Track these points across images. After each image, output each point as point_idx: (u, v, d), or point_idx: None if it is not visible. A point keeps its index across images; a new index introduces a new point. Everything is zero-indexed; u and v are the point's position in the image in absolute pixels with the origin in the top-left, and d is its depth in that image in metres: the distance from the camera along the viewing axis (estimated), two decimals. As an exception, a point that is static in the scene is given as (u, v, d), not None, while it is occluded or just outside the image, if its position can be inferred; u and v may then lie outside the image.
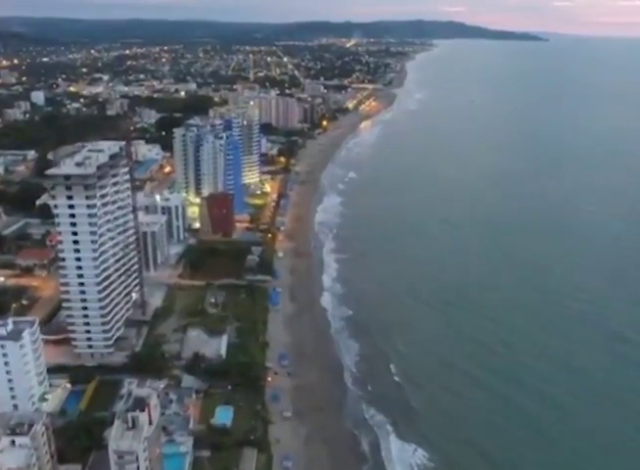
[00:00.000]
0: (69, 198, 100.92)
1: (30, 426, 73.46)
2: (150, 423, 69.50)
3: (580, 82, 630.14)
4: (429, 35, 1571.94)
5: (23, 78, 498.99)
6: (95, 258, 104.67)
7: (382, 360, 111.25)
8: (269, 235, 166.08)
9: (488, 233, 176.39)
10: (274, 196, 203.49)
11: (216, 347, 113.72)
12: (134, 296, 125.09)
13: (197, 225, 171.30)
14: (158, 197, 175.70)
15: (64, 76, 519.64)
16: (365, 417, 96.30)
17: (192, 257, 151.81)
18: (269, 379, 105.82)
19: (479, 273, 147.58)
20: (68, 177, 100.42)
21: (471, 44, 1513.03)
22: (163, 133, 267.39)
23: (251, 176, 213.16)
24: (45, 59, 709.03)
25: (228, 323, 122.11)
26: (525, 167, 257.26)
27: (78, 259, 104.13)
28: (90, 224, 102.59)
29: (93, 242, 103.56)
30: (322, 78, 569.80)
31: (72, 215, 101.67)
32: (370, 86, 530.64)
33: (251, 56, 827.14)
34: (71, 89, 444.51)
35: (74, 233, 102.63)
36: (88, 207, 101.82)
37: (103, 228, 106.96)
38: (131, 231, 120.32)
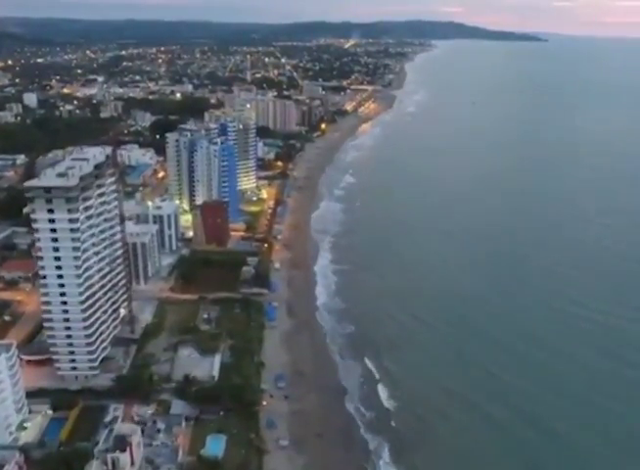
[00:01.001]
0: (50, 211, 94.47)
1: (2, 467, 66.99)
2: (132, 464, 63.23)
3: (581, 84, 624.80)
4: (428, 36, 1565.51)
5: (17, 80, 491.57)
6: (78, 276, 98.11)
7: (386, 383, 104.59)
8: (265, 245, 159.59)
9: (490, 244, 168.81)
10: (271, 203, 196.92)
11: (209, 367, 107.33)
12: (122, 312, 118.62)
13: (190, 234, 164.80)
14: (150, 204, 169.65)
15: (58, 78, 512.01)
16: (369, 448, 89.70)
17: (184, 268, 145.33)
18: (264, 403, 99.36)
19: (480, 288, 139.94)
20: (48, 190, 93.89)
21: (470, 45, 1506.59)
22: (158, 137, 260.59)
23: (248, 182, 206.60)
24: (40, 60, 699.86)
25: (221, 341, 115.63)
26: (528, 171, 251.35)
27: (60, 277, 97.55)
28: (73, 239, 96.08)
29: (76, 258, 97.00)
30: (320, 80, 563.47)
31: (53, 230, 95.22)
32: (369, 88, 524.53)
33: (248, 57, 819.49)
34: (65, 91, 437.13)
35: (56, 249, 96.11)
36: (70, 221, 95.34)
37: (87, 243, 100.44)
38: (119, 244, 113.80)
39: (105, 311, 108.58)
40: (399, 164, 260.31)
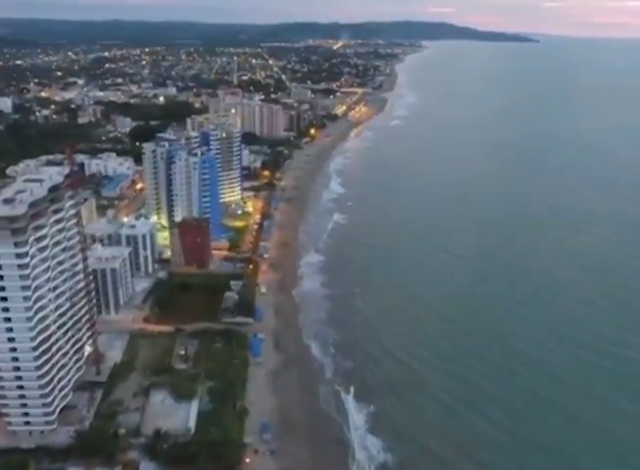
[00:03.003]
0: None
1: None
2: None
3: (578, 86, 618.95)
4: (418, 36, 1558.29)
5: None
6: (29, 318, 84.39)
7: (394, 434, 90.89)
8: (250, 266, 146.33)
9: (492, 263, 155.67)
10: (257, 216, 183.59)
11: (184, 417, 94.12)
12: (88, 349, 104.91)
13: (169, 254, 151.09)
14: (125, 220, 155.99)
15: (36, 80, 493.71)
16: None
17: (161, 295, 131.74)
18: (247, 460, 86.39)
19: (482, 315, 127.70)
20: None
21: (461, 45, 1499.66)
22: (138, 144, 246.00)
23: (232, 194, 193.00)
24: (19, 61, 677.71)
25: (199, 383, 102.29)
26: (526, 178, 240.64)
27: (7, 320, 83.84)
28: (21, 277, 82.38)
29: (25, 298, 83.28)
30: (309, 82, 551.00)
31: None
32: (359, 90, 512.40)
33: (235, 58, 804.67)
34: (43, 94, 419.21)
35: (2, 288, 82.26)
36: (18, 256, 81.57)
37: (40, 279, 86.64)
38: (81, 275, 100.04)
39: (65, 354, 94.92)
40: (393, 171, 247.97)
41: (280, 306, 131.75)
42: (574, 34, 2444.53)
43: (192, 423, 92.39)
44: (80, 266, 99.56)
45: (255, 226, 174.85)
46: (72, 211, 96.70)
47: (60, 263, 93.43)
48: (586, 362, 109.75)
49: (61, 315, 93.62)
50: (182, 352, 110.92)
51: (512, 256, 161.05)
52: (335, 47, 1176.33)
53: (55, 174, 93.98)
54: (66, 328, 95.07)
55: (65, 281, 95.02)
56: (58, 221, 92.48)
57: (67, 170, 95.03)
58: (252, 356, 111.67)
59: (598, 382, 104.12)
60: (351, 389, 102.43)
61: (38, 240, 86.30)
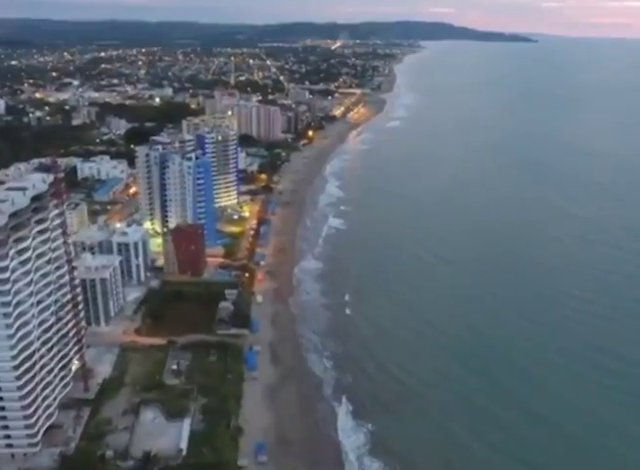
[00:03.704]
0: (-30, 259, 76.02)
1: None
2: None
3: (578, 86, 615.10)
4: (416, 36, 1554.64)
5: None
6: (10, 336, 79.80)
7: (394, 457, 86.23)
8: (246, 274, 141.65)
9: (493, 275, 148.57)
10: (253, 222, 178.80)
11: (175, 437, 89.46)
12: (75, 364, 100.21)
13: (162, 261, 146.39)
14: (118, 225, 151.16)
15: (31, 81, 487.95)
16: None
17: (153, 305, 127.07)
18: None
19: (484, 327, 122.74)
20: (-34, 233, 75.52)
21: (460, 45, 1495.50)
22: (133, 146, 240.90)
23: (228, 198, 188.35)
24: (13, 62, 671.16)
25: (192, 400, 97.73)
26: (528, 182, 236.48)
27: (-13, 338, 79.09)
28: (0, 293, 77.60)
29: (5, 315, 78.79)
30: (307, 83, 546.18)
31: (-25, 283, 76.74)
32: (358, 91, 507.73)
33: (232, 59, 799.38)
34: (37, 95, 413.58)
35: (-21, 305, 77.65)
36: (-4, 270, 76.89)
37: (22, 293, 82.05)
38: (68, 287, 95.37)
39: (50, 371, 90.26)
40: (392, 174, 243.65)
41: (277, 317, 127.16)
42: (573, 34, 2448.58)
43: (183, 444, 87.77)
44: (67, 278, 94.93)
45: (252, 232, 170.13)
46: (58, 221, 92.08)
47: (44, 276, 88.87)
48: (589, 381, 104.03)
49: (45, 331, 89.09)
50: (174, 367, 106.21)
51: (513, 265, 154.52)
52: (333, 47, 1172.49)
53: (39, 182, 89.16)
54: (51, 344, 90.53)
55: (49, 294, 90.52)
56: (42, 232, 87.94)
57: (51, 178, 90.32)
58: (248, 370, 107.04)
59: (601, 404, 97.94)
60: (350, 406, 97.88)
61: (20, 252, 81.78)
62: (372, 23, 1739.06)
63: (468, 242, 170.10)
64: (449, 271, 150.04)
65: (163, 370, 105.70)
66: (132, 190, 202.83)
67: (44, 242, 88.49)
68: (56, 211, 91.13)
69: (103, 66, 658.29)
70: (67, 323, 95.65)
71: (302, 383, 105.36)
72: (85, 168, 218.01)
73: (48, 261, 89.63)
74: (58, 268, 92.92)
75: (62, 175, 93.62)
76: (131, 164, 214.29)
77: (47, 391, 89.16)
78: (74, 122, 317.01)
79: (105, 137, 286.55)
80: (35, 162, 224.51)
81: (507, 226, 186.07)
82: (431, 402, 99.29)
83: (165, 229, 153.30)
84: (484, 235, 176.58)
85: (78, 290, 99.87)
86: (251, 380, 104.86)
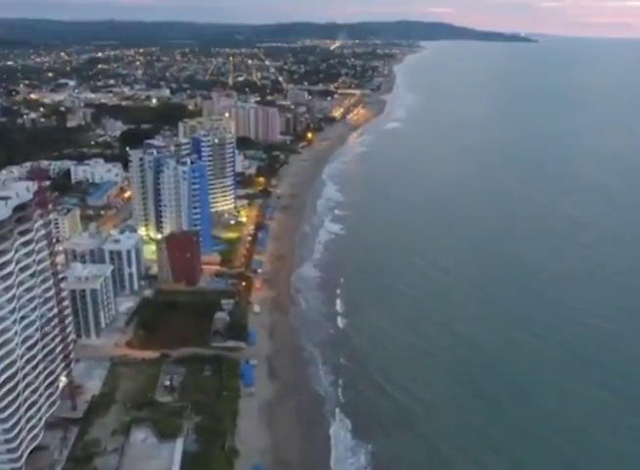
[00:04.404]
0: (-53, 275, 71.26)
1: None
2: None
3: (577, 86, 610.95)
4: (416, 37, 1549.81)
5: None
6: (-11, 355, 75.01)
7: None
8: (243, 282, 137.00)
9: (495, 285, 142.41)
10: (251, 227, 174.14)
11: (167, 460, 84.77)
12: (63, 381, 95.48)
13: (157, 269, 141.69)
14: (112, 232, 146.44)
15: (27, 82, 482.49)
16: None
17: (146, 316, 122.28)
18: (237, 511, 77.43)
19: (486, 348, 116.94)
20: (-59, 247, 70.75)
21: (460, 45, 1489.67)
22: (128, 149, 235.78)
23: (225, 203, 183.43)
24: (9, 62, 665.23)
25: (185, 418, 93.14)
26: (529, 186, 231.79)
27: (-35, 358, 74.39)
28: (-21, 311, 72.92)
29: (-15, 334, 73.89)
30: (306, 83, 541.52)
31: (-48, 299, 72.02)
32: (357, 92, 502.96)
33: (230, 59, 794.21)
34: (33, 96, 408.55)
35: (-44, 323, 72.95)
36: (-26, 287, 72.15)
37: (3, 311, 77.34)
38: (54, 301, 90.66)
39: (35, 390, 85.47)
40: (392, 177, 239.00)
41: (275, 328, 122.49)
42: (573, 34, 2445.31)
43: (176, 467, 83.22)
44: (53, 291, 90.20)
45: (249, 238, 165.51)
46: (43, 232, 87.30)
47: (28, 290, 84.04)
48: (596, 401, 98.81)
49: (29, 348, 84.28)
50: (167, 383, 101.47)
51: (516, 277, 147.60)
52: (332, 47, 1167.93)
53: (22, 191, 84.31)
54: (36, 361, 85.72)
55: (34, 309, 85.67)
56: (26, 244, 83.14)
57: (36, 186, 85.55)
58: (244, 386, 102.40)
59: (604, 427, 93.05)
60: (351, 425, 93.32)
61: (1, 266, 76.98)
62: (371, 22, 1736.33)
63: (468, 249, 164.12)
64: (449, 282, 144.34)
65: (156, 386, 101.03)
66: (127, 194, 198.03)
67: (28, 254, 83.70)
68: (41, 222, 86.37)
69: (100, 66, 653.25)
70: (53, 338, 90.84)
71: (301, 400, 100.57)
72: (79, 172, 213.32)
73: (32, 275, 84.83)
74: (43, 281, 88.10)
75: (47, 183, 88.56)
76: (126, 166, 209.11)
77: (32, 411, 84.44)
78: (69, 124, 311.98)
79: (100, 139, 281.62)
80: (28, 165, 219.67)
81: (510, 234, 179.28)
82: (432, 424, 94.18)
83: (160, 236, 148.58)
84: (485, 243, 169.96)
85: (66, 303, 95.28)
86: (247, 396, 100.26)
